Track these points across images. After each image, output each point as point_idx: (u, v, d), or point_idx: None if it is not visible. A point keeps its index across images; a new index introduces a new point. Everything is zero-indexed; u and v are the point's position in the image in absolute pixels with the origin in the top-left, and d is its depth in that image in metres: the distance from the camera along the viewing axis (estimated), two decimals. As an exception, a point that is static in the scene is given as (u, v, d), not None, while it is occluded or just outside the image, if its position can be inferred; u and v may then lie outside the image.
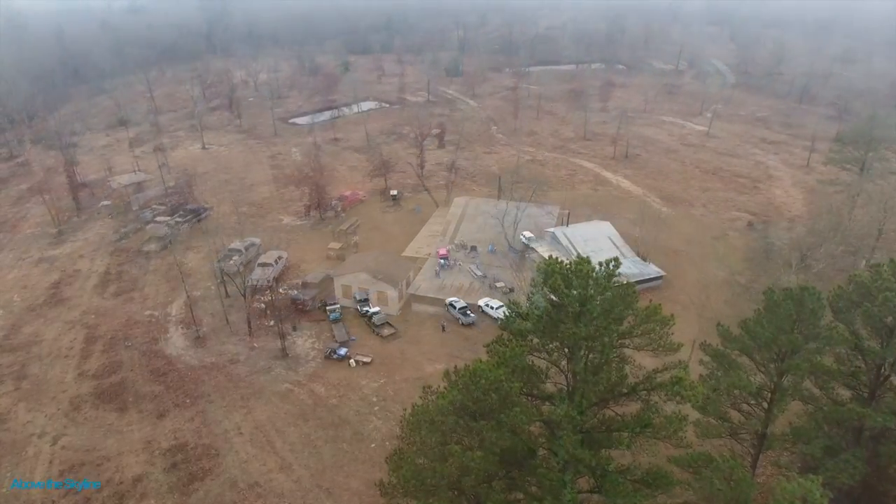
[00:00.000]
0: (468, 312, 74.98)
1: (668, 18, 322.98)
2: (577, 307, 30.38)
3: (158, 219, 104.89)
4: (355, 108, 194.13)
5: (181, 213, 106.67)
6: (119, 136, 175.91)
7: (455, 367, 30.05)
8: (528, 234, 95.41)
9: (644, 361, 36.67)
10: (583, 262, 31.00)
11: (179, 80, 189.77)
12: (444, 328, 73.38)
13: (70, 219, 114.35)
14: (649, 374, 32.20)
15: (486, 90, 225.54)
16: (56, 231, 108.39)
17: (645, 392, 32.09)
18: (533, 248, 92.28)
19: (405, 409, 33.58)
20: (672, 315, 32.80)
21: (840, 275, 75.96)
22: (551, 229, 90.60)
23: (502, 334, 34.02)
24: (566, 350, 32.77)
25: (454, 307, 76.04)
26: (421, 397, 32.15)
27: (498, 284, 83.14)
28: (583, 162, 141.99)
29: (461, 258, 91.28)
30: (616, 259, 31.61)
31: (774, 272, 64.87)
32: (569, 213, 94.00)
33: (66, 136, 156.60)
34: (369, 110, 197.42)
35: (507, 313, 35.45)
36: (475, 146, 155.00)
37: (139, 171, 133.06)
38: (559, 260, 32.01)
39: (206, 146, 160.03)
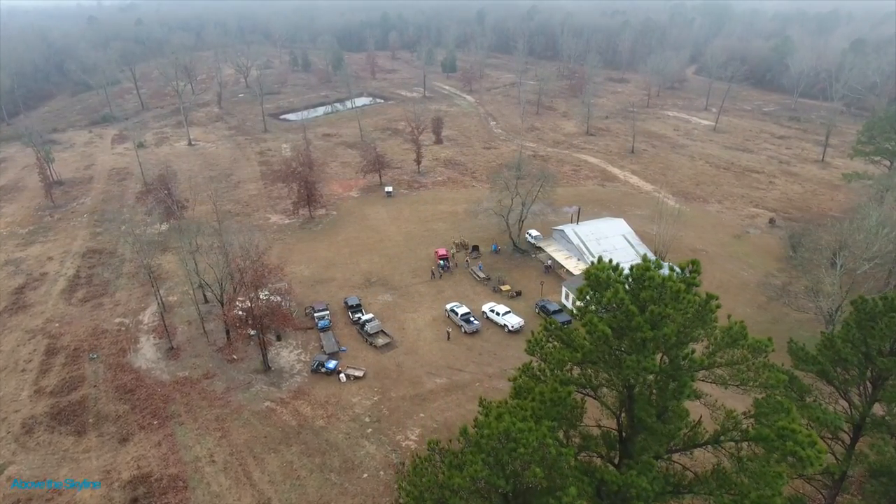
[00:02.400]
0: (472, 319, 67.72)
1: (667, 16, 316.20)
2: (647, 331, 22.46)
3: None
4: (349, 104, 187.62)
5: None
6: (102, 132, 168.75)
7: (475, 420, 21.94)
8: (534, 232, 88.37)
9: (715, 392, 28.19)
10: (647, 265, 23.25)
11: (168, 76, 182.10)
12: (448, 336, 66.11)
13: (43, 218, 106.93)
14: (733, 418, 24.25)
15: (484, 86, 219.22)
16: (26, 231, 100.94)
17: (733, 444, 24.45)
18: (540, 248, 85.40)
19: (404, 462, 25.86)
20: (769, 339, 25.11)
21: (886, 277, 69.25)
22: (561, 227, 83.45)
23: (530, 362, 26.14)
24: (624, 389, 24.75)
25: (455, 313, 68.81)
26: (426, 459, 24.21)
27: (503, 287, 76.04)
28: (587, 157, 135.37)
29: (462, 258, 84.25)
30: (695, 262, 24.09)
31: (817, 274, 57.94)
32: (579, 210, 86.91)
33: (45, 133, 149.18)
34: (363, 106, 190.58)
35: (539, 334, 27.34)
36: (474, 142, 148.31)
37: None
38: (614, 264, 24.29)
39: (193, 142, 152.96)
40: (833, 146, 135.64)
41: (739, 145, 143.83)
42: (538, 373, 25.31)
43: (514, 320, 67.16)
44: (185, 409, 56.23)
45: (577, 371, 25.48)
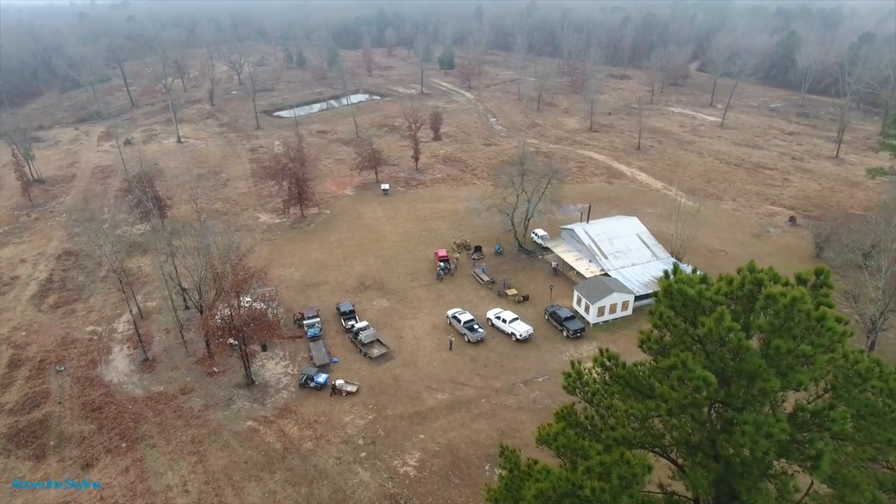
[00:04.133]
0: (476, 327, 62.06)
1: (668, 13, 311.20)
2: (773, 381, 14.84)
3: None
4: (344, 101, 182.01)
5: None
6: (89, 129, 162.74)
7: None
8: (541, 231, 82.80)
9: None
10: (760, 276, 16.13)
11: (158, 73, 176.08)
12: (450, 345, 60.47)
13: (19, 218, 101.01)
14: (862, 490, 18.19)
15: (483, 82, 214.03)
16: (0, 232, 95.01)
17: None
18: (548, 248, 79.84)
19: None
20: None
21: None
22: (570, 226, 77.82)
23: (572, 405, 19.03)
24: (713, 452, 17.31)
25: (458, 320, 63.16)
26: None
27: (509, 292, 70.41)
28: (591, 153, 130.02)
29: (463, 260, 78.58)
30: (821, 270, 17.44)
31: (857, 277, 52.62)
32: (590, 207, 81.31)
33: (29, 130, 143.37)
34: (359, 103, 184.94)
35: (583, 368, 19.65)
36: (473, 139, 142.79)
37: None
38: (697, 274, 16.96)
39: (182, 140, 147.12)
40: (846, 142, 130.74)
41: (748, 142, 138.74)
42: (585, 421, 18.66)
43: (522, 328, 61.53)
44: (157, 430, 50.43)
45: (636, 426, 18.36)
